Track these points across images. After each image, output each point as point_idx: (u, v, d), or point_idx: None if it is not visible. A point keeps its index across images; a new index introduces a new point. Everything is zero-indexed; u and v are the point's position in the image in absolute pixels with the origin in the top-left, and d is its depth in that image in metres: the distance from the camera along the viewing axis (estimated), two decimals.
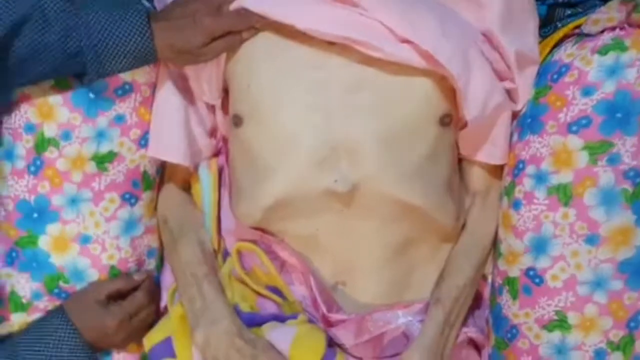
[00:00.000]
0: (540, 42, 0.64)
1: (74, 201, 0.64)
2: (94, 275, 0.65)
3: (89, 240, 0.64)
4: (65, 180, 0.64)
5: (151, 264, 0.69)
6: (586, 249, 0.58)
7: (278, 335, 0.59)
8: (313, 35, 0.58)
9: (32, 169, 0.63)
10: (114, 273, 0.66)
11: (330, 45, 0.58)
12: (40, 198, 0.64)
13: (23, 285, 0.64)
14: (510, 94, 0.63)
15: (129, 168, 0.66)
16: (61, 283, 0.64)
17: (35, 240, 0.64)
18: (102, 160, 0.64)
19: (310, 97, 0.59)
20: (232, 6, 0.60)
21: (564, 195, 0.59)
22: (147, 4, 0.64)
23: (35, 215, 0.64)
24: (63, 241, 0.64)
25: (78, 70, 0.60)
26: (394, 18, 0.57)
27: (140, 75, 0.65)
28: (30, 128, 0.63)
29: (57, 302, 0.64)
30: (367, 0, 0.57)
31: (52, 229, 0.64)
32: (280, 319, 0.61)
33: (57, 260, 0.64)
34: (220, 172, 0.69)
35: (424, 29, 0.57)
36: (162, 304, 0.68)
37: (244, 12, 0.60)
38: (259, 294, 0.64)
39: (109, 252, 0.65)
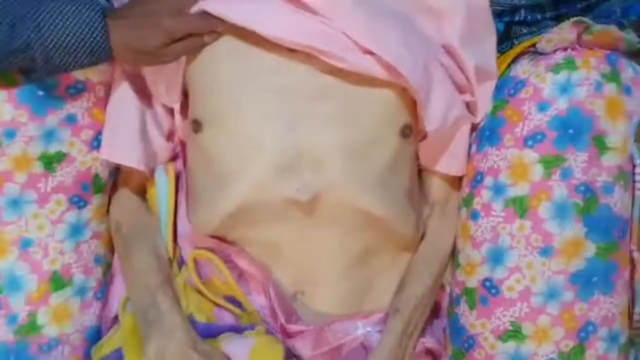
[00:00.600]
0: (497, 58, 0.66)
1: (16, 203, 0.60)
2: (32, 282, 0.61)
3: (30, 244, 0.61)
4: (6, 180, 0.60)
5: (98, 272, 0.66)
6: (540, 261, 0.59)
7: (235, 347, 0.57)
8: (275, 42, 0.57)
9: None
10: (56, 280, 0.62)
11: (293, 52, 0.58)
12: None
13: None
14: (469, 107, 0.65)
15: (79, 170, 0.63)
16: None
17: None
18: (50, 161, 0.61)
19: (273, 103, 0.58)
20: (194, 9, 0.59)
21: (520, 207, 0.60)
22: (103, 1, 0.62)
23: None
24: (1, 245, 0.60)
25: (25, 65, 0.56)
26: (358, 29, 0.57)
27: (94, 74, 0.62)
28: None
29: None
30: (332, 10, 0.57)
31: None
32: (238, 330, 0.60)
33: None
34: (177, 177, 0.67)
35: (387, 41, 0.57)
36: (113, 314, 0.65)
37: (205, 16, 0.58)
38: (215, 304, 0.62)
39: (51, 257, 0.62)
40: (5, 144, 0.59)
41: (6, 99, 0.59)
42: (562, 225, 0.59)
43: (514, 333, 0.60)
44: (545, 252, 0.59)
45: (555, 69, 0.60)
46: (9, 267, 0.60)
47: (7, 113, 0.59)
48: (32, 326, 0.61)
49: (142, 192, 0.68)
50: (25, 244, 0.61)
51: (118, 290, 0.66)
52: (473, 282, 0.63)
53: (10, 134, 0.59)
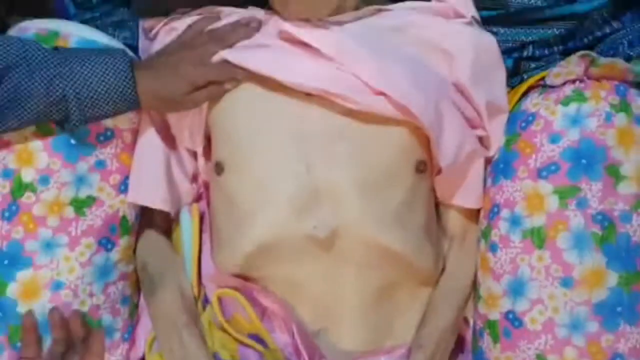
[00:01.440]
0: (508, 92, 0.67)
1: (48, 246, 0.63)
2: None
3: (61, 287, 0.63)
4: (40, 225, 0.62)
5: (125, 313, 0.68)
6: (562, 292, 0.59)
7: None
8: (293, 88, 0.60)
9: (7, 214, 0.62)
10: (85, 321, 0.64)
11: (309, 96, 0.61)
12: (13, 244, 0.62)
13: None
14: (482, 141, 0.66)
15: (108, 213, 0.65)
16: None
17: (3, 289, 0.62)
18: (81, 205, 0.64)
19: (290, 145, 0.60)
20: (215, 58, 0.62)
21: (537, 238, 0.60)
22: (131, 53, 0.66)
23: (6, 261, 0.62)
24: (33, 288, 0.62)
25: (60, 116, 0.60)
26: (369, 72, 0.60)
27: (122, 122, 0.66)
28: (7, 174, 0.62)
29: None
30: (344, 55, 0.60)
31: (23, 275, 0.62)
32: None
33: (25, 309, 0.62)
34: (201, 217, 0.69)
35: (398, 82, 0.60)
36: (140, 355, 0.65)
37: (226, 64, 0.62)
38: (240, 342, 0.62)
39: (81, 299, 0.63)
40: (40, 190, 0.62)
41: (42, 148, 0.63)
42: (581, 255, 0.59)
43: None
44: (566, 282, 0.59)
45: (565, 101, 0.61)
46: (41, 310, 0.62)
47: (42, 161, 0.63)
48: None
49: (167, 233, 0.70)
50: (57, 286, 0.63)
51: (144, 330, 0.67)
52: (495, 314, 0.62)
53: (45, 181, 0.63)
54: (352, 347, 0.63)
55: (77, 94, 0.59)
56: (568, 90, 0.62)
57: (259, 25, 0.64)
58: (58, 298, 0.63)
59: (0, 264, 0.62)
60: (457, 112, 0.63)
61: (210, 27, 0.65)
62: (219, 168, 0.64)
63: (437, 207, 0.68)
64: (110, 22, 0.71)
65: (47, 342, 0.62)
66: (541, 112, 0.63)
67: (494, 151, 0.66)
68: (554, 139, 0.61)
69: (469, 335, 0.67)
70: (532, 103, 0.64)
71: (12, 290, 0.62)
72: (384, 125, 0.61)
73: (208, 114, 0.65)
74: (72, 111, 0.59)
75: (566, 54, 0.68)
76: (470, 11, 0.65)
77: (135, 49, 0.70)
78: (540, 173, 0.61)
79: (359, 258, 0.61)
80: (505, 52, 0.68)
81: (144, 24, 0.70)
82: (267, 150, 0.61)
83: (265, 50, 0.62)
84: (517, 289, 0.61)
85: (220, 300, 0.64)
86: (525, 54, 0.69)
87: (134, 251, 0.69)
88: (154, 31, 0.69)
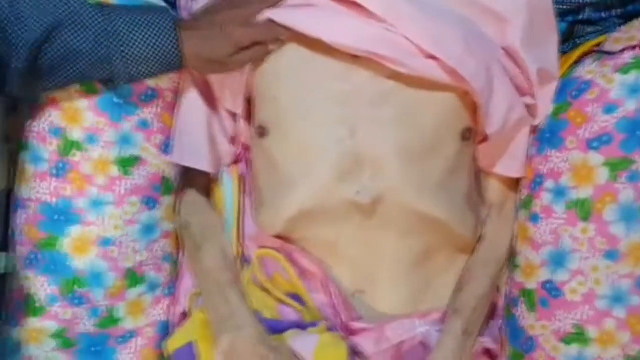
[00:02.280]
0: (559, 58, 0.64)
1: (96, 204, 0.64)
2: (110, 278, 0.65)
3: (108, 243, 0.64)
4: (88, 183, 0.64)
5: (167, 270, 0.69)
6: (605, 264, 0.58)
7: (301, 343, 0.59)
8: (339, 49, 0.58)
9: (56, 171, 0.63)
10: (131, 277, 0.66)
11: (355, 58, 0.59)
12: (63, 201, 0.64)
13: (38, 289, 0.64)
14: (529, 109, 0.64)
15: (151, 172, 0.66)
16: (76, 287, 0.64)
17: (55, 243, 0.64)
18: (126, 165, 0.64)
19: (335, 109, 0.59)
20: (260, 18, 0.61)
21: (582, 210, 0.59)
22: (174, 13, 0.65)
23: (57, 217, 0.64)
24: (83, 244, 0.64)
25: (106, 75, 0.60)
26: (420, 34, 0.58)
27: (163, 81, 0.65)
28: (55, 131, 0.63)
29: (70, 309, 0.64)
30: (393, 15, 0.58)
31: (74, 231, 0.64)
32: (301, 326, 0.62)
33: (76, 263, 0.64)
34: (241, 179, 0.69)
35: (450, 46, 0.58)
36: (181, 310, 0.68)
37: (271, 24, 0.60)
38: (279, 300, 0.64)
39: (127, 255, 0.65)
40: (87, 149, 0.63)
41: (88, 107, 0.63)
42: (629, 228, 0.58)
43: (577, 336, 0.59)
44: (611, 255, 0.58)
45: (624, 69, 0.59)
46: (90, 264, 0.64)
47: (88, 120, 0.63)
48: (111, 319, 0.65)
49: (207, 193, 0.71)
50: (105, 243, 0.64)
51: (186, 287, 0.69)
52: (532, 284, 0.62)
53: (92, 140, 0.63)
54: (388, 310, 0.64)
55: (122, 54, 0.58)
56: (628, 57, 0.59)
57: None
58: (106, 253, 0.64)
59: (51, 220, 0.64)
60: (507, 78, 0.61)
61: None
62: (262, 131, 0.63)
63: (477, 174, 0.68)
64: None
65: (98, 295, 0.64)
66: (597, 80, 0.60)
67: (540, 119, 0.64)
68: (609, 108, 0.59)
69: (500, 302, 0.68)
70: (587, 70, 0.62)
71: (64, 244, 0.64)
72: (432, 90, 0.59)
73: (250, 75, 0.64)
74: (117, 70, 0.59)
75: (625, 17, 0.65)
76: None
77: (173, 4, 0.68)
78: (591, 144, 0.59)
79: (400, 224, 0.61)
80: (560, 15, 0.65)
81: None
82: (311, 114, 0.60)
83: (311, 10, 0.60)
84: (557, 260, 0.61)
85: (260, 259, 0.65)
86: (580, 17, 0.66)
87: (175, 210, 0.70)
88: None
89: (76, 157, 0.63)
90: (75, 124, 0.63)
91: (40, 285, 0.64)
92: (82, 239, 0.64)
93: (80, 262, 0.64)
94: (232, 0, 0.62)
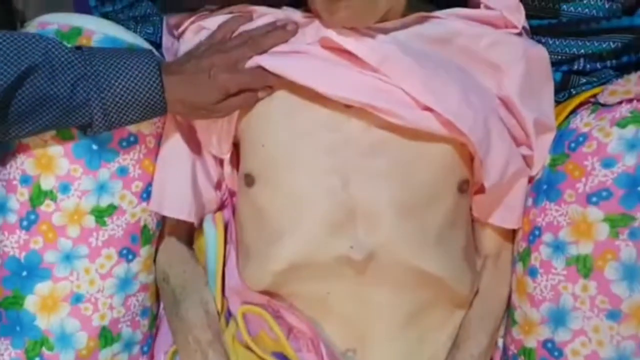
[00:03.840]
0: (555, 108, 0.64)
1: (68, 257, 0.60)
2: (82, 338, 0.60)
3: (80, 300, 0.60)
4: (60, 235, 0.60)
5: (144, 325, 0.65)
6: (608, 325, 0.56)
7: None
8: (332, 99, 0.56)
9: (25, 223, 0.59)
10: (105, 336, 0.61)
11: (347, 107, 0.57)
12: (32, 254, 0.59)
13: (2, 352, 0.59)
14: (525, 159, 0.63)
15: (129, 222, 0.62)
16: (44, 350, 0.59)
17: (21, 301, 0.59)
18: (102, 214, 0.61)
19: (326, 159, 0.57)
20: (249, 64, 0.58)
21: (583, 266, 0.58)
22: (157, 53, 0.62)
23: (25, 273, 0.59)
24: (52, 301, 0.59)
25: (84, 121, 0.57)
26: (416, 85, 0.56)
27: (145, 127, 0.62)
28: (25, 180, 0.59)
29: None
30: (388, 66, 0.56)
31: (42, 288, 0.59)
32: None
33: (43, 323, 0.59)
34: (225, 226, 0.66)
35: (446, 98, 0.56)
36: None
37: (260, 71, 0.58)
38: None
39: (101, 312, 0.61)
40: (60, 198, 0.59)
41: (62, 154, 0.59)
42: (631, 288, 0.56)
43: None
44: (613, 315, 0.56)
45: (621, 122, 0.58)
46: (60, 324, 0.60)
47: (63, 167, 0.59)
48: None
49: (189, 242, 0.67)
50: (76, 299, 0.60)
51: (164, 343, 0.65)
52: (532, 341, 0.60)
53: (65, 188, 0.59)
54: None
55: (101, 99, 0.55)
56: (625, 110, 0.58)
57: (296, 28, 0.60)
58: (78, 311, 0.60)
59: (18, 276, 0.59)
60: (504, 129, 0.60)
61: (242, 29, 0.61)
62: (249, 180, 0.60)
63: (472, 224, 0.66)
64: (132, 16, 0.67)
65: (67, 358, 0.59)
66: (593, 134, 0.59)
67: (536, 170, 0.63)
68: (608, 163, 0.58)
69: (497, 358, 0.65)
70: (583, 122, 0.61)
71: (31, 303, 0.59)
72: (427, 142, 0.57)
73: (238, 121, 0.62)
74: (96, 117, 0.56)
75: (619, 69, 0.64)
76: (522, 21, 0.61)
77: (157, 45, 0.66)
78: (590, 198, 0.58)
79: (395, 280, 0.58)
80: (554, 65, 0.64)
81: (169, 20, 0.66)
82: (301, 164, 0.58)
83: (303, 58, 0.58)
84: (558, 318, 0.58)
85: (244, 316, 0.62)
86: (575, 67, 0.65)
87: (154, 260, 0.66)
88: (180, 29, 0.64)
89: (49, 207, 0.59)
90: (48, 172, 0.59)
91: (5, 349, 0.59)
92: (51, 296, 0.59)
93: (48, 323, 0.59)
94: (219, 44, 0.60)
